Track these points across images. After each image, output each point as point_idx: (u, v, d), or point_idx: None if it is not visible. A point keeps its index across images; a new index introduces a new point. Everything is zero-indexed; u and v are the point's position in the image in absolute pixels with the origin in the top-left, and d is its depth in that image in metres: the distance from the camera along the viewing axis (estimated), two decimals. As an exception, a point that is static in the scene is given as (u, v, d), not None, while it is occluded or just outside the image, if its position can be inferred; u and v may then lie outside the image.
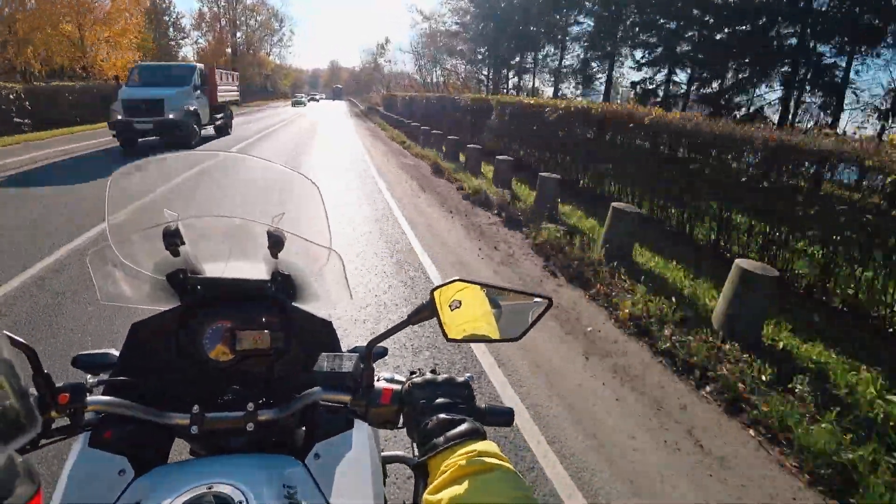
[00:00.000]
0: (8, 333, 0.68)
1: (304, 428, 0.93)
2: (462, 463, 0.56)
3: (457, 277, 0.74)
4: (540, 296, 0.77)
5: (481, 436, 0.63)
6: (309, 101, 59.39)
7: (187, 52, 50.09)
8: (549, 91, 30.19)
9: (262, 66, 62.90)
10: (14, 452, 0.37)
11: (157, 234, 0.91)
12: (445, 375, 0.75)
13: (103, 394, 0.82)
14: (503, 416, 0.75)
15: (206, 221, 0.99)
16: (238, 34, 58.12)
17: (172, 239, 0.91)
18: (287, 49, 70.94)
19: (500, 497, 0.52)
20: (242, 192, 1.20)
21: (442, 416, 0.66)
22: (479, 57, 34.81)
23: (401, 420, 0.75)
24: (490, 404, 0.75)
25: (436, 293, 0.73)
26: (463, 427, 0.63)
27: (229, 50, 56.00)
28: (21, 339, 0.70)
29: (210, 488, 0.66)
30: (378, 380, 0.79)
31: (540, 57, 30.58)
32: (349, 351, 0.87)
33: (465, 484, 0.54)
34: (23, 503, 0.36)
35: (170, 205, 0.96)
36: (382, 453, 1.09)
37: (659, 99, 22.61)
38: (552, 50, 29.86)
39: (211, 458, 0.82)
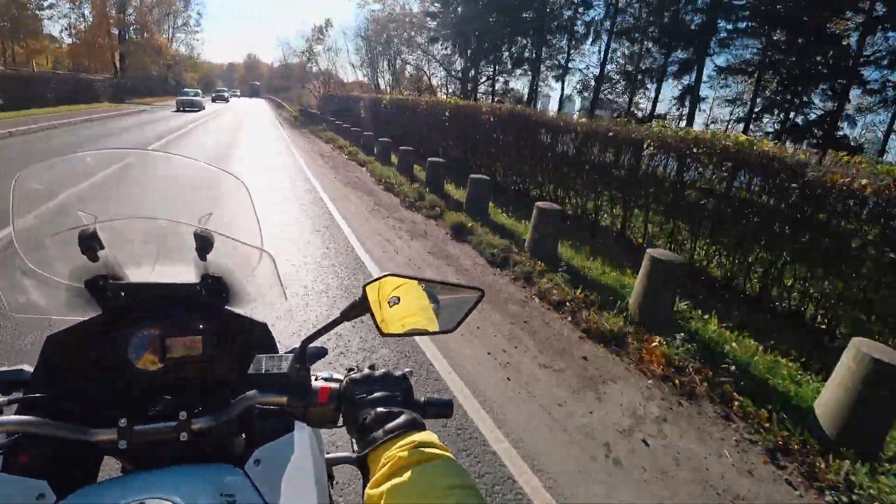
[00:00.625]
0: None
1: (243, 435, 0.90)
2: (402, 454, 0.57)
3: (389, 272, 0.74)
4: (472, 288, 0.79)
5: (420, 427, 0.64)
6: (213, 99, 45.80)
7: (53, 28, 38.76)
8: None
9: (160, 53, 50.59)
10: None
11: (73, 239, 0.85)
12: (383, 370, 0.75)
13: (16, 413, 0.76)
14: (442, 408, 0.76)
15: (125, 224, 0.93)
16: (128, 11, 45.69)
17: (90, 243, 0.85)
18: (194, 36, 59.30)
19: (440, 485, 0.53)
20: (165, 192, 1.14)
21: (380, 409, 0.66)
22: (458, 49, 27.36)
23: (340, 419, 0.75)
24: (429, 396, 0.76)
25: (368, 289, 0.73)
26: (401, 419, 0.64)
27: (115, 31, 45.05)
28: None
29: None
30: (316, 379, 0.79)
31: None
32: (287, 352, 0.85)
33: (406, 475, 0.54)
34: None
35: (85, 206, 0.90)
36: (327, 455, 1.08)
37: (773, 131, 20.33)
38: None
39: (142, 474, 0.78)
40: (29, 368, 0.87)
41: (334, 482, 1.19)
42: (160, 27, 51.63)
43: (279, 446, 0.84)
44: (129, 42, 44.88)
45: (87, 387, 0.86)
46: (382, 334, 0.75)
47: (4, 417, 0.71)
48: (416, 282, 0.77)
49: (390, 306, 0.75)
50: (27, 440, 0.74)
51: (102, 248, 0.87)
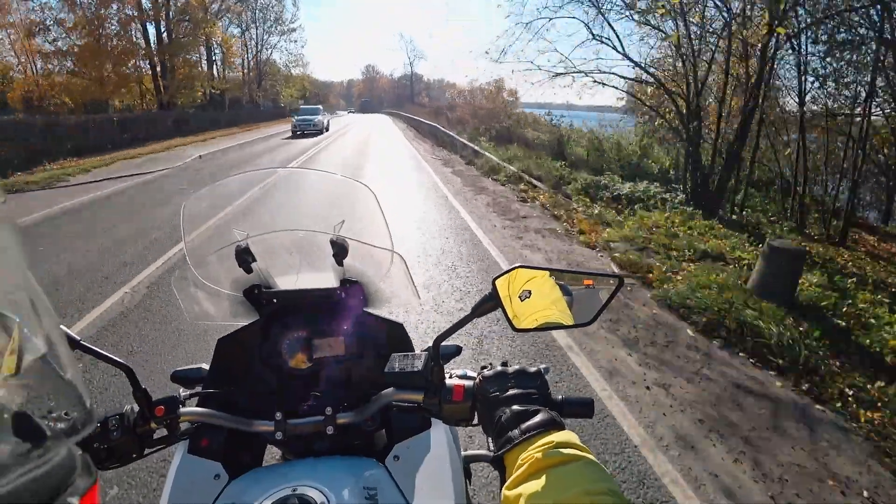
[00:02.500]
0: (107, 354, 0.74)
1: (384, 430, 0.94)
2: (539, 456, 0.53)
3: (518, 265, 0.71)
4: (611, 275, 0.73)
5: (558, 426, 0.59)
6: (302, 123, 23.59)
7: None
8: None
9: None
10: (73, 447, 0.40)
11: (230, 254, 0.96)
12: (517, 367, 0.72)
13: (197, 405, 0.87)
14: (582, 407, 0.71)
15: (272, 237, 1.02)
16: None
17: (244, 257, 0.95)
18: (290, 37, 43.75)
19: (580, 489, 0.49)
20: (302, 205, 1.24)
21: (516, 407, 0.63)
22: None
23: (476, 417, 0.73)
24: (567, 395, 0.71)
25: (497, 283, 0.70)
26: (538, 418, 0.60)
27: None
28: (119, 359, 0.76)
29: (294, 490, 0.67)
30: (450, 377, 0.78)
31: None
32: (423, 351, 0.87)
33: (544, 478, 0.51)
34: (80, 494, 0.38)
35: (238, 224, 1.01)
36: (465, 452, 1.07)
37: None
38: None
39: (297, 462, 0.85)
40: (206, 366, 1.00)
41: (471, 479, 1.18)
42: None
43: (417, 443, 0.85)
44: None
45: (249, 383, 0.96)
46: (515, 329, 0.72)
47: (188, 409, 0.82)
48: (547, 273, 0.72)
49: (521, 300, 0.72)
50: (206, 427, 0.85)
51: (255, 260, 0.96)
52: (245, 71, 40.18)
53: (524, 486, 0.51)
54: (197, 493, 0.78)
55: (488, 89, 24.66)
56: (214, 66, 34.82)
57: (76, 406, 0.39)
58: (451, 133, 18.40)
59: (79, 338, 0.67)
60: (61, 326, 0.43)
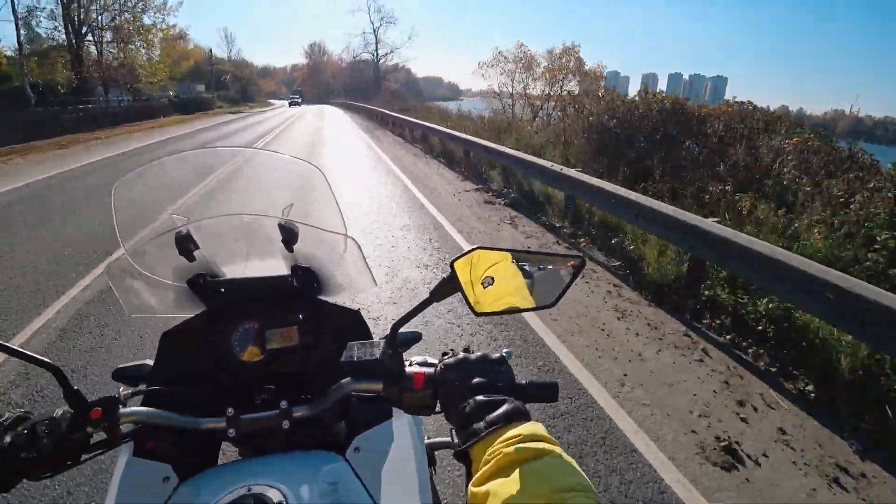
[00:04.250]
0: (31, 354, 0.68)
1: (343, 422, 0.91)
2: (506, 450, 0.52)
3: (476, 246, 0.69)
4: (571, 255, 0.73)
5: (525, 416, 0.58)
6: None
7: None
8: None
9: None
10: None
11: (170, 241, 0.89)
12: (479, 353, 0.71)
13: (142, 404, 0.82)
14: (546, 391, 0.71)
15: (215, 222, 0.96)
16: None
17: (186, 244, 0.89)
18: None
19: (551, 486, 0.48)
20: (245, 187, 1.17)
21: (480, 398, 0.61)
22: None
23: (438, 405, 0.72)
24: (531, 379, 0.70)
25: (456, 265, 0.68)
26: (503, 409, 0.59)
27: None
28: (46, 360, 0.69)
29: (249, 490, 0.64)
30: (410, 364, 0.76)
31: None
32: (381, 338, 0.84)
33: (512, 474, 0.50)
34: None
35: (176, 208, 0.94)
36: (428, 440, 1.07)
37: None
38: None
39: (252, 460, 0.82)
40: (150, 363, 0.93)
41: (435, 467, 1.18)
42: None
43: (378, 433, 0.83)
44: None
45: (198, 379, 0.91)
46: (476, 314, 0.71)
47: (130, 409, 0.76)
48: (507, 254, 0.71)
49: (484, 287, 0.71)
50: (152, 428, 0.79)
51: (197, 247, 0.90)
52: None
53: (492, 484, 0.50)
54: (144, 497, 0.74)
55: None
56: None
57: None
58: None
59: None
60: None
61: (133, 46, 29.86)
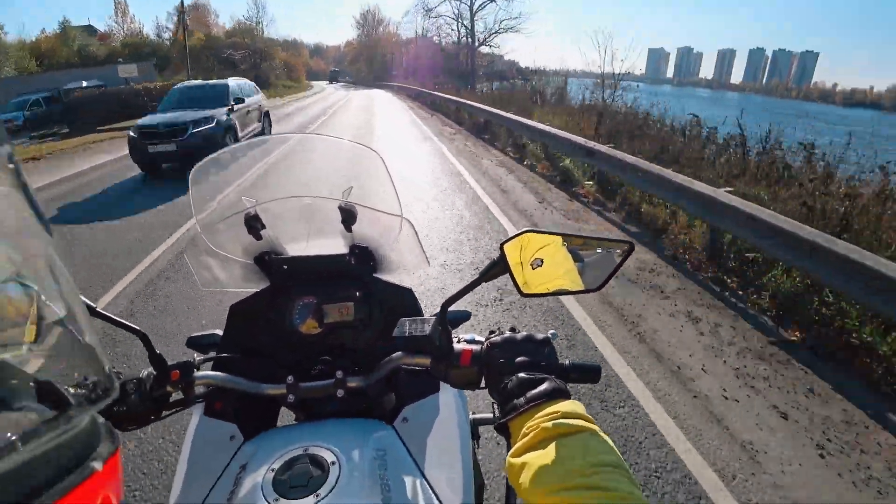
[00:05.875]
0: (122, 321, 0.76)
1: (393, 394, 0.96)
2: (544, 425, 0.54)
3: (526, 229, 0.70)
4: (621, 241, 0.72)
5: (564, 395, 0.60)
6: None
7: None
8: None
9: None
10: (97, 415, 0.41)
11: (240, 221, 0.96)
12: (525, 333, 0.72)
13: (212, 370, 0.90)
14: (589, 373, 0.72)
15: (281, 204, 1.03)
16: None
17: (254, 224, 0.96)
18: None
19: (584, 461, 0.49)
20: (310, 172, 1.23)
21: (522, 375, 0.64)
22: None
23: (483, 381, 0.74)
24: (574, 361, 0.71)
25: (506, 247, 0.70)
26: (544, 386, 0.60)
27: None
28: (134, 326, 0.78)
29: (306, 450, 0.70)
30: (458, 341, 0.79)
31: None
32: (431, 315, 0.88)
33: (547, 448, 0.51)
34: (103, 459, 0.39)
35: (246, 191, 1.01)
36: (472, 416, 1.10)
37: None
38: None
39: (309, 424, 0.88)
40: (219, 332, 1.02)
41: (479, 442, 1.21)
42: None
43: (425, 405, 0.87)
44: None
45: (262, 348, 0.99)
46: (522, 294, 0.73)
47: (203, 373, 0.85)
48: (558, 238, 0.72)
49: (533, 269, 0.72)
50: (221, 391, 0.88)
51: (264, 227, 0.97)
52: None
53: (529, 455, 0.52)
54: (213, 453, 0.82)
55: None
56: None
57: (96, 371, 0.40)
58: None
59: (94, 305, 0.69)
60: (79, 294, 0.43)
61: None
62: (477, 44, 37.66)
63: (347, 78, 68.82)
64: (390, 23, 72.17)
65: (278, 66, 39.37)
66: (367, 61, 67.58)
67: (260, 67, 34.71)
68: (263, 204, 0.98)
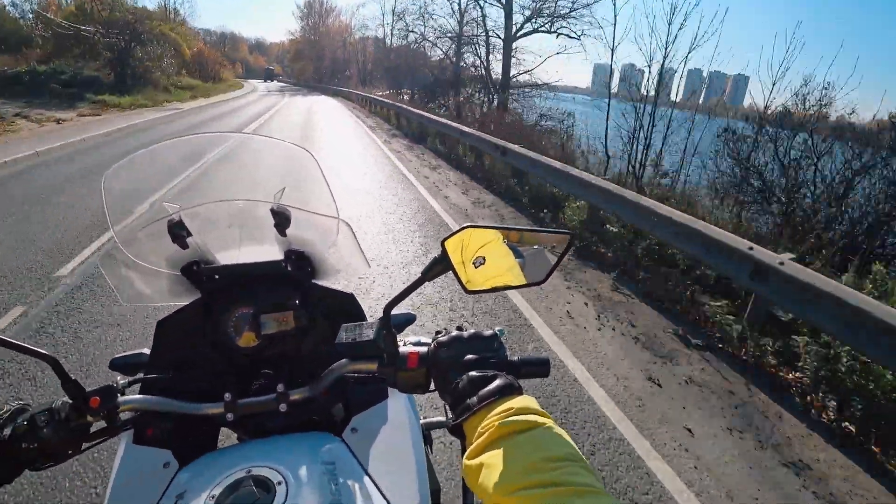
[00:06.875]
0: (28, 346, 0.68)
1: (340, 404, 0.92)
2: (498, 423, 0.52)
3: (467, 224, 0.69)
4: (561, 232, 0.73)
5: (516, 391, 0.59)
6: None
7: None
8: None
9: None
10: None
11: (163, 229, 0.89)
12: (472, 331, 0.71)
13: (140, 392, 0.82)
14: (538, 367, 0.71)
15: (207, 208, 0.96)
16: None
17: (178, 231, 0.89)
18: None
19: (542, 457, 0.48)
20: (237, 173, 1.17)
21: (472, 373, 0.62)
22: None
23: (432, 384, 0.72)
24: (523, 355, 0.71)
25: (447, 244, 0.68)
26: (495, 384, 0.59)
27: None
28: (42, 351, 0.70)
29: (249, 472, 0.65)
30: (403, 344, 0.77)
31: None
32: (374, 320, 0.85)
33: (504, 446, 0.50)
34: None
35: (166, 195, 0.94)
36: (423, 420, 1.07)
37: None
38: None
39: (251, 443, 0.82)
40: (146, 351, 0.94)
41: (432, 446, 1.19)
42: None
43: (375, 413, 0.84)
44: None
45: (196, 365, 0.91)
46: (467, 292, 0.71)
47: (129, 397, 0.77)
48: (498, 233, 0.71)
49: (475, 267, 0.71)
50: (151, 415, 0.80)
51: (190, 234, 0.90)
52: None
53: (485, 456, 0.51)
54: (145, 484, 0.75)
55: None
56: None
57: None
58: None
59: None
60: None
61: None
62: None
63: (287, 79, 61.16)
64: (341, 13, 63.62)
65: (167, 53, 24.46)
66: (315, 59, 56.04)
67: (129, 54, 20.87)
68: (188, 209, 0.91)
